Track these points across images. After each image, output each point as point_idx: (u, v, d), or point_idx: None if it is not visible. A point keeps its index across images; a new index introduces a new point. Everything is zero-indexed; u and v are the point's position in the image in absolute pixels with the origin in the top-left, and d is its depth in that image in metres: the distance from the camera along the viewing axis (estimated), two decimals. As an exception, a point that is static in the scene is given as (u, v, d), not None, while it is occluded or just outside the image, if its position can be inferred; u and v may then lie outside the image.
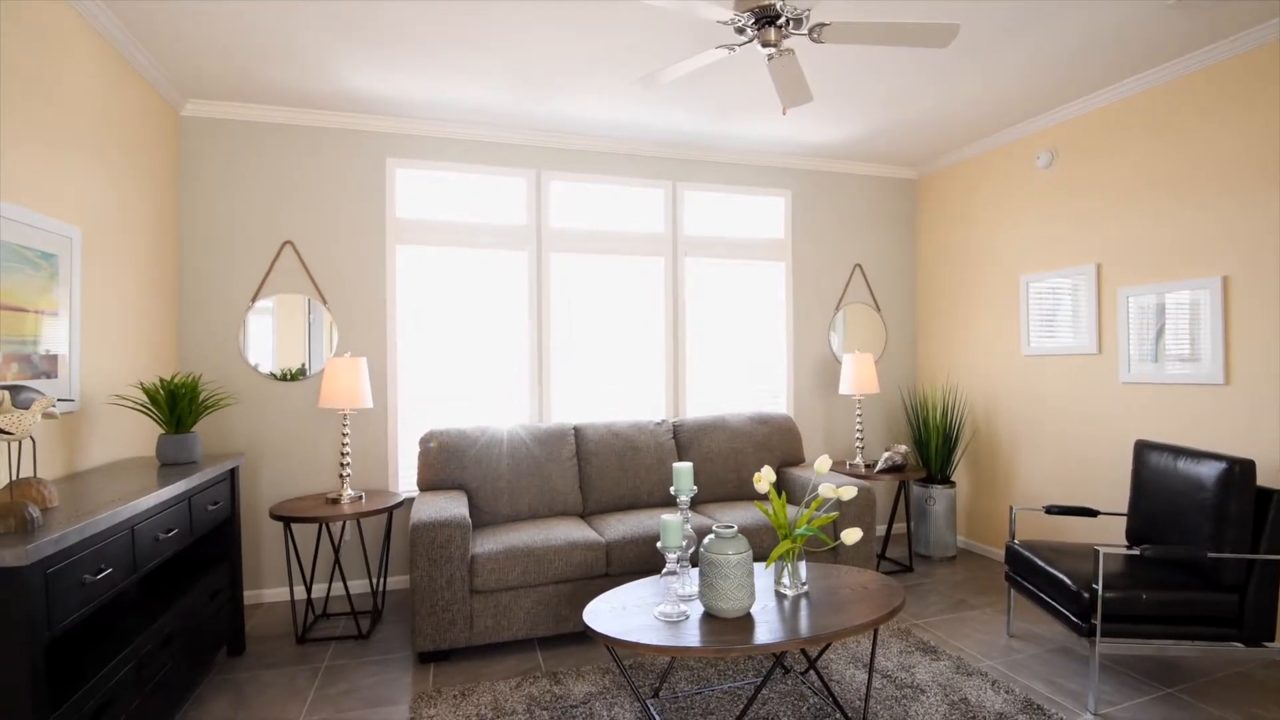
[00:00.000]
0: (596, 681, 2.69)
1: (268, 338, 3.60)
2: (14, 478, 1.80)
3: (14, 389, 1.78)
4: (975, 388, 4.40)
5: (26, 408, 1.83)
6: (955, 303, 4.56)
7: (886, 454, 4.03)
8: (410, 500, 3.78)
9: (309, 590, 3.28)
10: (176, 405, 2.70)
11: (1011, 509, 3.15)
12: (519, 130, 3.94)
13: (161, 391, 2.67)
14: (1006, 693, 2.56)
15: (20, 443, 1.90)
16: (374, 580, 3.72)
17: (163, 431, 2.82)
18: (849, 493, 2.51)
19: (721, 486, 3.83)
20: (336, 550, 3.26)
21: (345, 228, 3.72)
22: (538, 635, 3.02)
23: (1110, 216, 3.52)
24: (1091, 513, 3.02)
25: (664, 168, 4.30)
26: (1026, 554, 2.90)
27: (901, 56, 3.12)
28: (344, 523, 3.65)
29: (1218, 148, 3.04)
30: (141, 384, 2.86)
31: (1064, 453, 3.78)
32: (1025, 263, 4.03)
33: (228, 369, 3.54)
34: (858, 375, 4.14)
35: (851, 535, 2.39)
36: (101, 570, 1.87)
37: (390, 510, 3.22)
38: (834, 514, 2.48)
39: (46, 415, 1.83)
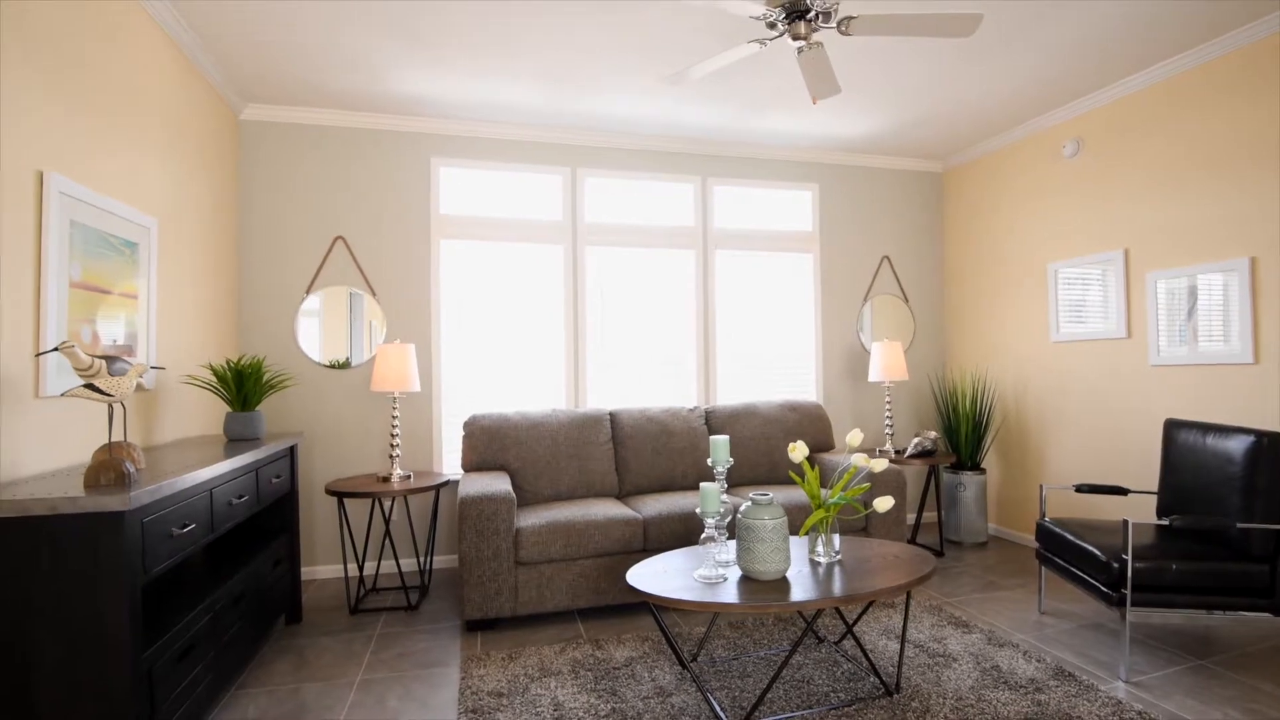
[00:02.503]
0: (637, 648, 2.81)
1: (318, 326, 3.80)
2: (111, 439, 1.98)
3: (109, 359, 1.96)
4: (1004, 375, 4.44)
5: (122, 375, 2.01)
6: (982, 292, 4.62)
7: (916, 439, 4.09)
8: (455, 481, 3.94)
9: (360, 566, 3.44)
10: (243, 385, 2.89)
11: (1042, 487, 3.20)
12: (555, 129, 4.11)
13: (229, 372, 2.86)
14: (1038, 661, 2.62)
15: (114, 407, 2.08)
16: (421, 558, 3.88)
17: (229, 409, 3.01)
18: (880, 465, 2.59)
19: (753, 470, 3.93)
20: (387, 524, 3.43)
21: (393, 223, 3.91)
22: (578, 607, 3.14)
23: (1137, 202, 3.57)
24: (1122, 491, 3.06)
25: (694, 163, 4.43)
26: (1057, 530, 2.95)
27: (926, 50, 3.22)
28: (393, 500, 3.82)
29: (1241, 131, 3.08)
30: (211, 365, 3.06)
31: (1094, 437, 3.81)
32: (1053, 250, 4.08)
33: (284, 355, 3.74)
34: (886, 362, 4.22)
35: (884, 503, 2.48)
36: (185, 525, 2.04)
37: (437, 489, 3.38)
38: (866, 485, 2.57)
39: (139, 385, 2.01)
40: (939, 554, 4.09)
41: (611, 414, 3.90)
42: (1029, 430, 4.25)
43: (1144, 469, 3.55)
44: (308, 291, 3.77)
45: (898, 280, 4.87)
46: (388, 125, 3.88)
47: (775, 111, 3.93)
